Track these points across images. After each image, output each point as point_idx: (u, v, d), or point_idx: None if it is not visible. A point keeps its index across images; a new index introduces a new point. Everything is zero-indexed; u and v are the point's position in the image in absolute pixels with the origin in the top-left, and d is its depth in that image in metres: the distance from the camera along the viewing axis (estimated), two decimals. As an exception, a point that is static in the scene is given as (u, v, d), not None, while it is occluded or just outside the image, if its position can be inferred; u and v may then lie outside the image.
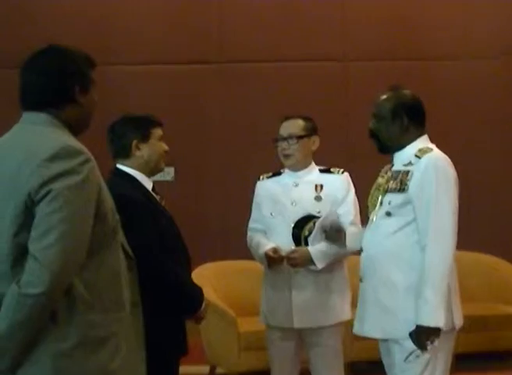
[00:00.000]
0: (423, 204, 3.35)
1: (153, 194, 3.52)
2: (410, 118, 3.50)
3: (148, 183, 3.52)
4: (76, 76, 2.51)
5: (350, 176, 4.31)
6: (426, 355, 3.32)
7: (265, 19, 6.97)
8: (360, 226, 4.15)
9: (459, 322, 3.42)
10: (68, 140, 2.41)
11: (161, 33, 6.95)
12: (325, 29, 7.01)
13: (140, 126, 3.51)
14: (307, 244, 4.13)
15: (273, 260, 4.13)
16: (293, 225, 4.18)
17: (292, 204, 4.22)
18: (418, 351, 3.31)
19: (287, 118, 4.32)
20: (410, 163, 3.43)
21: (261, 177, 4.43)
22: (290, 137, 4.23)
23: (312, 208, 4.18)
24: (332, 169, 4.33)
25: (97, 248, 2.40)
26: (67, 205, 2.27)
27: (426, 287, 3.28)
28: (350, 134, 6.96)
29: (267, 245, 4.19)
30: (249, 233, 4.40)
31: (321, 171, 4.32)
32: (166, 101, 6.80)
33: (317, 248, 4.11)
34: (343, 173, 4.31)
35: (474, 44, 7.06)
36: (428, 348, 3.28)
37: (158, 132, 3.56)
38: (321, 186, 4.25)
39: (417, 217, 3.38)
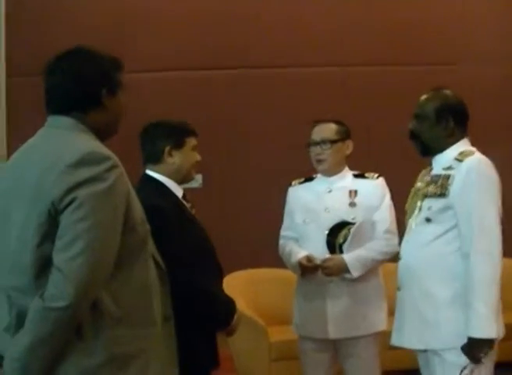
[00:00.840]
0: (465, 209, 3.20)
1: (183, 202, 3.39)
2: (456, 120, 3.37)
3: (179, 191, 3.39)
4: (102, 79, 2.39)
5: None
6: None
7: (272, 26, 6.83)
8: (396, 234, 4.06)
9: (502, 331, 3.25)
10: (94, 145, 2.29)
11: (177, 39, 6.84)
12: (325, 34, 6.85)
13: (175, 134, 3.38)
14: (341, 251, 3.99)
15: (307, 269, 3.99)
16: (327, 232, 4.03)
17: (325, 210, 4.07)
18: (472, 365, 3.16)
19: (318, 122, 4.19)
20: (450, 167, 3.30)
21: (293, 183, 4.30)
22: (323, 141, 4.09)
23: (346, 214, 4.04)
24: (366, 174, 4.18)
25: (126, 259, 2.27)
26: (93, 213, 2.15)
27: (474, 297, 3.12)
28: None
29: (300, 253, 4.05)
30: (281, 241, 4.27)
31: (355, 176, 4.17)
32: (190, 107, 6.67)
33: (352, 255, 3.97)
34: (377, 177, 4.17)
35: (477, 48, 6.88)
36: (483, 360, 3.15)
37: (192, 141, 3.42)
38: (356, 191, 4.10)
39: (458, 223, 3.23)
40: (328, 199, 4.10)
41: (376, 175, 4.17)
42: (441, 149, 3.37)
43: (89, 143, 2.30)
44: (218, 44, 6.84)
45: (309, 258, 3.99)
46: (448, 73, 6.64)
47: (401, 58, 6.88)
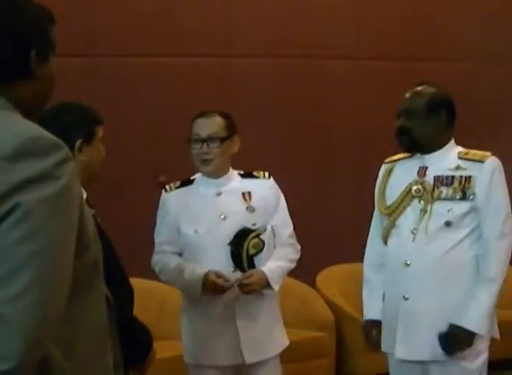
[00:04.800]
0: (491, 210, 3.19)
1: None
2: (448, 115, 3.30)
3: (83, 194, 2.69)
4: (32, 37, 1.65)
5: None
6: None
7: (272, 14, 6.19)
8: (296, 241, 3.67)
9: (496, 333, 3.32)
10: (36, 128, 1.56)
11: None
12: (337, 27, 6.33)
13: (87, 123, 2.68)
14: (252, 263, 3.48)
15: (218, 287, 3.39)
16: (228, 242, 3.48)
17: (221, 217, 3.51)
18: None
19: (203, 114, 3.59)
20: (459, 167, 3.25)
21: (168, 188, 3.65)
22: (211, 138, 3.52)
23: (246, 220, 3.52)
24: (255, 173, 3.69)
25: (77, 292, 1.56)
26: (43, 228, 1.44)
27: (484, 293, 3.15)
28: (363, 134, 6.37)
29: (198, 268, 3.45)
30: (157, 257, 3.61)
31: (243, 176, 3.66)
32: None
33: (270, 268, 3.49)
34: (269, 176, 3.68)
35: (489, 47, 6.66)
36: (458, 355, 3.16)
37: (100, 131, 2.74)
38: (249, 193, 3.59)
39: (482, 225, 3.20)
40: (221, 204, 3.54)
41: (267, 173, 3.69)
42: (432, 146, 3.30)
43: (28, 125, 1.56)
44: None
45: (217, 274, 3.41)
46: (459, 70, 6.45)
47: (413, 53, 6.52)
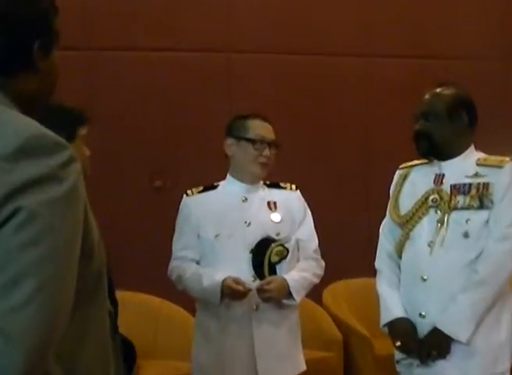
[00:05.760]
0: (500, 212, 3.01)
1: None
2: (469, 118, 3.15)
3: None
4: (36, 27, 1.54)
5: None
6: None
7: (278, 8, 6.04)
8: (320, 257, 3.54)
9: None
10: (38, 126, 1.44)
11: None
12: (347, 23, 6.18)
13: (67, 123, 2.59)
14: (273, 272, 3.34)
15: (238, 293, 3.26)
16: (250, 250, 3.36)
17: (246, 224, 3.39)
18: None
19: (259, 116, 3.50)
20: (477, 174, 3.07)
21: (189, 192, 3.54)
22: (275, 144, 3.47)
23: (271, 229, 3.40)
24: (281, 184, 3.59)
25: (78, 305, 1.43)
26: (47, 233, 1.32)
27: (469, 295, 2.97)
28: (368, 134, 6.20)
29: (217, 275, 3.31)
30: (175, 263, 3.48)
31: (269, 185, 3.56)
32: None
33: (294, 277, 3.35)
34: (296, 188, 3.59)
35: (500, 45, 6.55)
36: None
37: (83, 132, 2.67)
38: (275, 203, 3.49)
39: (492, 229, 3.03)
40: (247, 209, 3.43)
41: (294, 186, 3.59)
42: (451, 152, 3.14)
43: (28, 122, 1.45)
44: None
45: (236, 281, 3.27)
46: (455, 68, 6.20)
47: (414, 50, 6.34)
